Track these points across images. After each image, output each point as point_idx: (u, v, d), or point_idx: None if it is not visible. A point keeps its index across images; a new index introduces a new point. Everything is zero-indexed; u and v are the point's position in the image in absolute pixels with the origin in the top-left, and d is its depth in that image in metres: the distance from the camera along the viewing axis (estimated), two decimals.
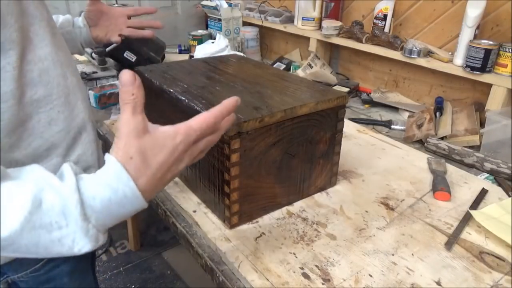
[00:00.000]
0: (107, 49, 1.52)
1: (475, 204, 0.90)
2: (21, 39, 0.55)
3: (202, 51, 1.73)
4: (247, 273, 0.69)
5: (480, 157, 1.07)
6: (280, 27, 1.96)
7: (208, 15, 2.14)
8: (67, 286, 0.75)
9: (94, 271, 0.86)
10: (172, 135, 0.47)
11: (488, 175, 1.04)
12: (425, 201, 0.91)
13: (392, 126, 1.35)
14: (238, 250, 0.75)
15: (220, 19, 2.02)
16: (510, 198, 0.91)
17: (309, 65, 1.74)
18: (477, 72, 1.25)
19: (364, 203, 0.90)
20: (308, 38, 1.84)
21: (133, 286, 1.78)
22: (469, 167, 1.08)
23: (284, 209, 0.87)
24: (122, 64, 1.62)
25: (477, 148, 1.17)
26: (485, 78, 1.25)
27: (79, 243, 0.43)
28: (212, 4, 2.05)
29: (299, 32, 1.87)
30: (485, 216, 0.83)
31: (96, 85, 1.51)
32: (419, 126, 1.26)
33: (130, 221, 1.88)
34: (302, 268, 0.71)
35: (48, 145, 0.61)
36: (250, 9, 2.16)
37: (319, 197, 0.91)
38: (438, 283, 0.68)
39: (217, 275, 0.72)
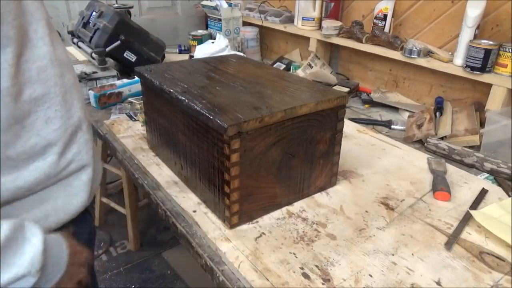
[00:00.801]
0: (107, 49, 1.52)
1: (475, 204, 0.90)
2: (19, 37, 0.55)
3: (202, 51, 1.73)
4: (247, 273, 0.69)
5: (480, 157, 1.07)
6: (280, 27, 1.96)
7: (208, 15, 2.14)
8: None
9: (94, 271, 0.85)
10: None
11: (488, 175, 1.04)
12: (425, 201, 0.91)
13: (392, 126, 1.35)
14: (238, 250, 0.75)
15: (220, 19, 2.03)
16: (510, 198, 0.91)
17: (309, 65, 1.74)
18: (477, 72, 1.25)
19: (364, 203, 0.90)
20: (308, 38, 1.84)
21: (133, 286, 1.78)
22: (469, 167, 1.08)
23: (284, 209, 0.87)
24: (122, 64, 1.63)
25: (477, 148, 1.17)
26: (485, 78, 1.25)
27: None
28: (212, 4, 2.05)
29: (299, 32, 1.87)
30: (485, 216, 0.83)
31: (96, 85, 1.51)
32: (419, 126, 1.26)
33: (130, 221, 1.88)
34: (302, 268, 0.71)
35: (45, 143, 0.61)
36: (250, 9, 2.16)
37: (319, 197, 0.91)
38: (438, 283, 0.68)
39: (217, 275, 0.72)
